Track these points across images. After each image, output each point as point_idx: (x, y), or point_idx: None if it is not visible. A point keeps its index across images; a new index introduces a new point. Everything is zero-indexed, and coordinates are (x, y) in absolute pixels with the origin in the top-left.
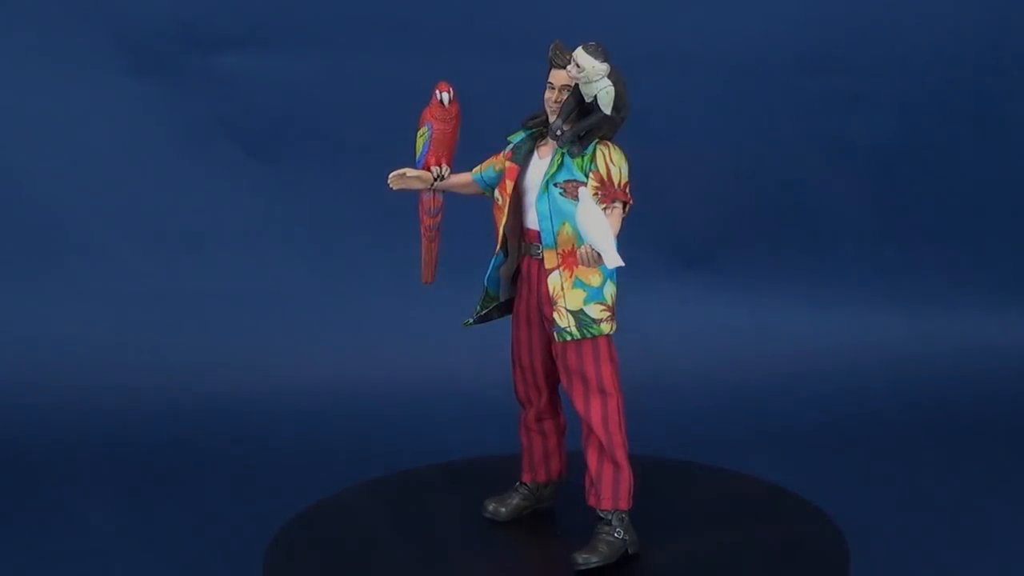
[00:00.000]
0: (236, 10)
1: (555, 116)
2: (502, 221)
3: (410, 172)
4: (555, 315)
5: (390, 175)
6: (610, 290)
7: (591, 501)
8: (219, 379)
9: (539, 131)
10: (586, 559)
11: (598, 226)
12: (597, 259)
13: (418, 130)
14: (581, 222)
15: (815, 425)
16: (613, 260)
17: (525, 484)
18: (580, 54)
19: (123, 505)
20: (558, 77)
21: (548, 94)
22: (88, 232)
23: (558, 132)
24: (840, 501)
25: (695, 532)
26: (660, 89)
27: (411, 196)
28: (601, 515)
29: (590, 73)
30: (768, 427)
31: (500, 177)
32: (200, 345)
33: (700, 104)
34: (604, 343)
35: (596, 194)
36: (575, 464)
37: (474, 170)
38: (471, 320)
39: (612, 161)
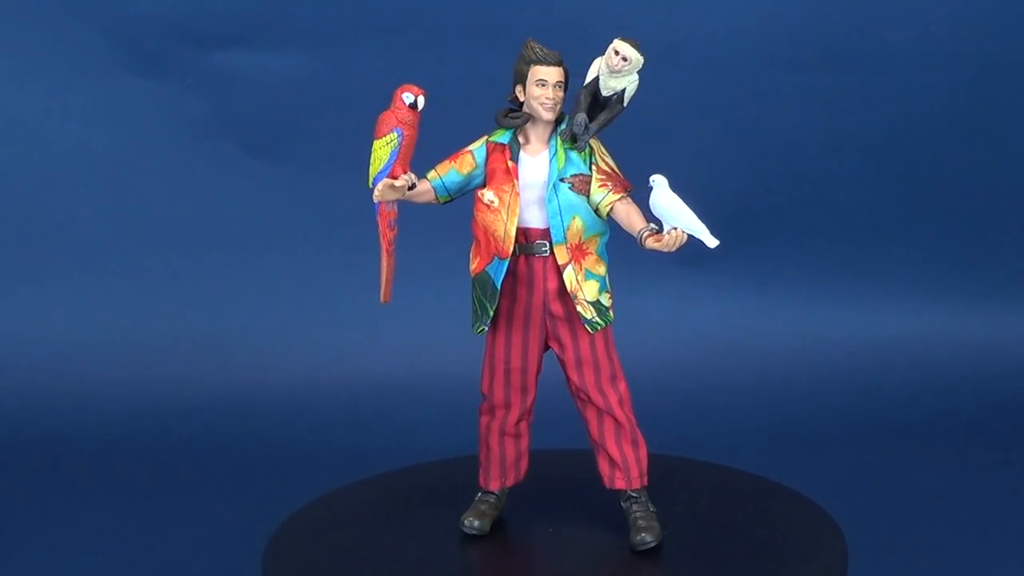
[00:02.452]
0: (236, 10)
1: (550, 113)
2: (510, 221)
3: (398, 183)
4: (579, 309)
5: (380, 186)
6: (608, 277)
7: (620, 484)
8: (217, 379)
9: (518, 129)
10: (643, 539)
11: (685, 210)
12: (684, 242)
13: (382, 137)
14: (667, 208)
15: (814, 422)
16: (712, 239)
17: (493, 492)
18: (625, 47)
19: (121, 503)
20: (551, 74)
21: (539, 91)
22: (87, 230)
23: (583, 127)
24: (839, 497)
25: (694, 528)
26: (658, 86)
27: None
28: (631, 494)
29: (634, 65)
30: (767, 424)
31: (467, 181)
32: (196, 345)
33: (697, 101)
34: (610, 330)
35: (606, 186)
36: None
37: (429, 176)
38: (485, 327)
39: (605, 153)
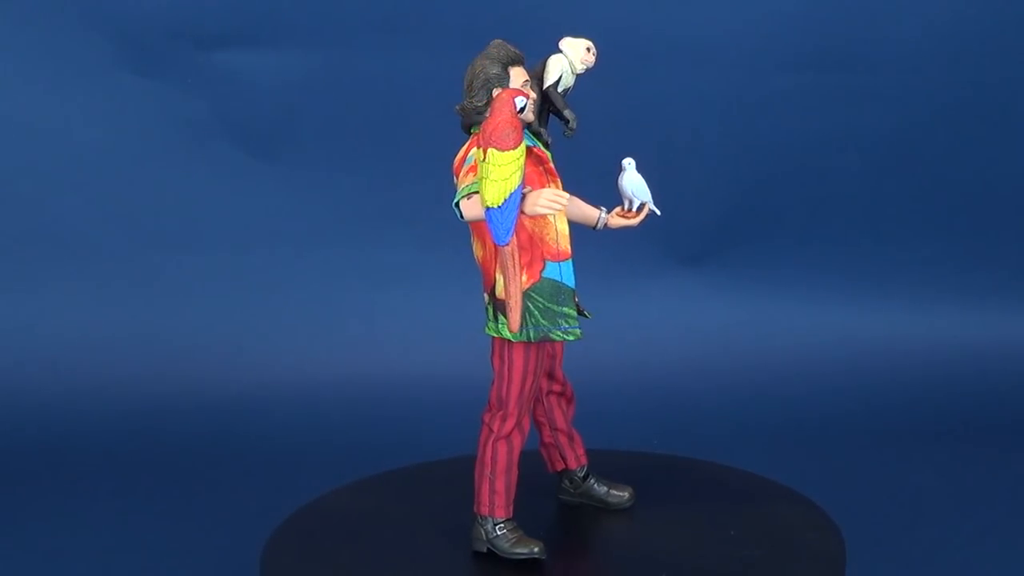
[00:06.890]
0: (236, 10)
1: (532, 114)
2: (559, 220)
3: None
4: (577, 299)
5: (558, 197)
6: None
7: (584, 459)
8: (216, 379)
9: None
10: (622, 498)
11: (646, 186)
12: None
13: (514, 148)
14: (638, 186)
15: (812, 421)
16: (657, 209)
17: (512, 520)
18: (592, 45)
19: (120, 503)
20: (526, 74)
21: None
22: (86, 230)
23: (575, 125)
24: (837, 497)
25: (692, 527)
26: (658, 86)
27: (400, 196)
28: (586, 468)
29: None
30: (767, 424)
31: None
32: (195, 344)
33: (697, 101)
34: None
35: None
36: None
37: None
38: (581, 330)
39: None
